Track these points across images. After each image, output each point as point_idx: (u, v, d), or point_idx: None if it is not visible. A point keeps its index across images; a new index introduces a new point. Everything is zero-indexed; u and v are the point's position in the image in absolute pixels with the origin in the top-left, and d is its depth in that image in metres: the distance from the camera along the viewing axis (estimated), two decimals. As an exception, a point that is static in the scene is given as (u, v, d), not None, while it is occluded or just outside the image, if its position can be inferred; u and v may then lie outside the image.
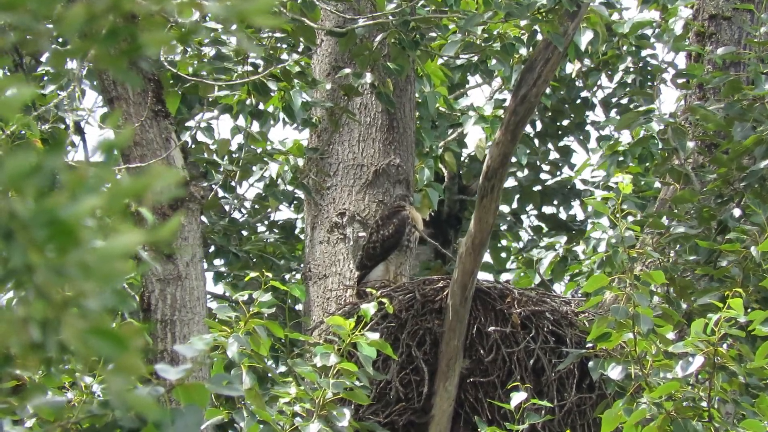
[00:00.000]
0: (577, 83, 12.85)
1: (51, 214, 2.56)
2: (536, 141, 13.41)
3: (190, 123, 11.10)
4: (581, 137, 13.27)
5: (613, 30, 11.07)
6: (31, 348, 2.66)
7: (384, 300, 7.36)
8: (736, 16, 9.66)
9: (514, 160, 12.08)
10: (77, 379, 5.47)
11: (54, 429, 3.71)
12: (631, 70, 11.59)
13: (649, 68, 11.63)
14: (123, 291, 2.69)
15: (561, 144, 13.50)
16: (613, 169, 10.76)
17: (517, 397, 7.21)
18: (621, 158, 10.79)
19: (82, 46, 2.83)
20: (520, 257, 11.33)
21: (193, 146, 10.21)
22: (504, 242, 13.72)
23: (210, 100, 8.88)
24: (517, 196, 13.69)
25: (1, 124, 7.38)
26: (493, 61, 8.94)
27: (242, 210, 12.38)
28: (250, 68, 8.39)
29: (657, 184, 10.27)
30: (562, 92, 12.94)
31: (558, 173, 13.63)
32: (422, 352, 8.46)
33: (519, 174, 13.62)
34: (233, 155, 9.46)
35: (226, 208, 11.88)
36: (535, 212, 13.79)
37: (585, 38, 9.87)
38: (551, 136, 13.39)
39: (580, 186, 13.48)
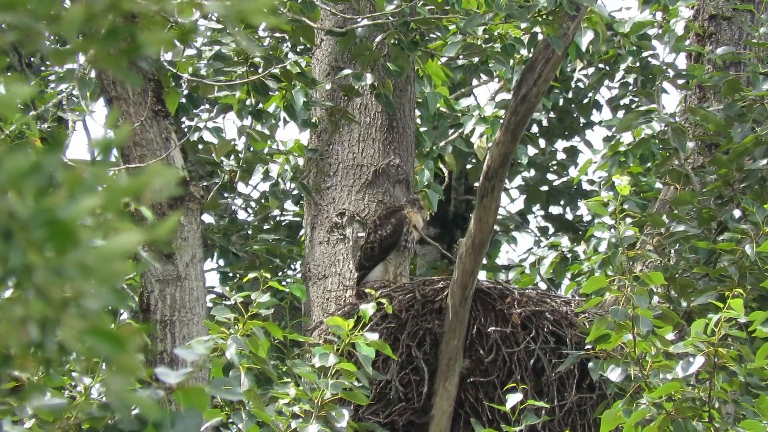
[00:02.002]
0: (579, 83, 12.83)
1: (50, 214, 2.55)
2: (542, 141, 13.40)
3: (192, 123, 11.08)
4: (586, 137, 13.28)
5: (615, 29, 11.05)
6: (31, 348, 2.65)
7: (383, 300, 7.35)
8: (735, 16, 9.65)
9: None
10: (76, 380, 5.47)
11: (53, 430, 3.70)
12: (637, 66, 11.57)
13: (650, 68, 11.62)
14: (122, 291, 2.68)
15: (567, 144, 13.50)
16: (615, 169, 10.75)
17: (513, 399, 7.17)
18: (622, 159, 10.78)
19: (82, 46, 2.83)
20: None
21: (202, 147, 10.19)
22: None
23: (212, 100, 8.88)
24: (524, 197, 13.68)
25: (0, 124, 7.37)
26: (494, 61, 8.92)
27: (248, 210, 12.37)
28: (250, 68, 8.38)
29: (658, 185, 10.25)
30: (566, 92, 12.93)
31: (565, 173, 13.61)
32: (422, 352, 8.45)
33: (525, 174, 13.60)
34: (239, 155, 9.44)
35: (231, 208, 11.87)
36: (542, 212, 13.77)
37: (586, 39, 9.86)
38: (558, 136, 13.39)
39: (586, 186, 13.47)
